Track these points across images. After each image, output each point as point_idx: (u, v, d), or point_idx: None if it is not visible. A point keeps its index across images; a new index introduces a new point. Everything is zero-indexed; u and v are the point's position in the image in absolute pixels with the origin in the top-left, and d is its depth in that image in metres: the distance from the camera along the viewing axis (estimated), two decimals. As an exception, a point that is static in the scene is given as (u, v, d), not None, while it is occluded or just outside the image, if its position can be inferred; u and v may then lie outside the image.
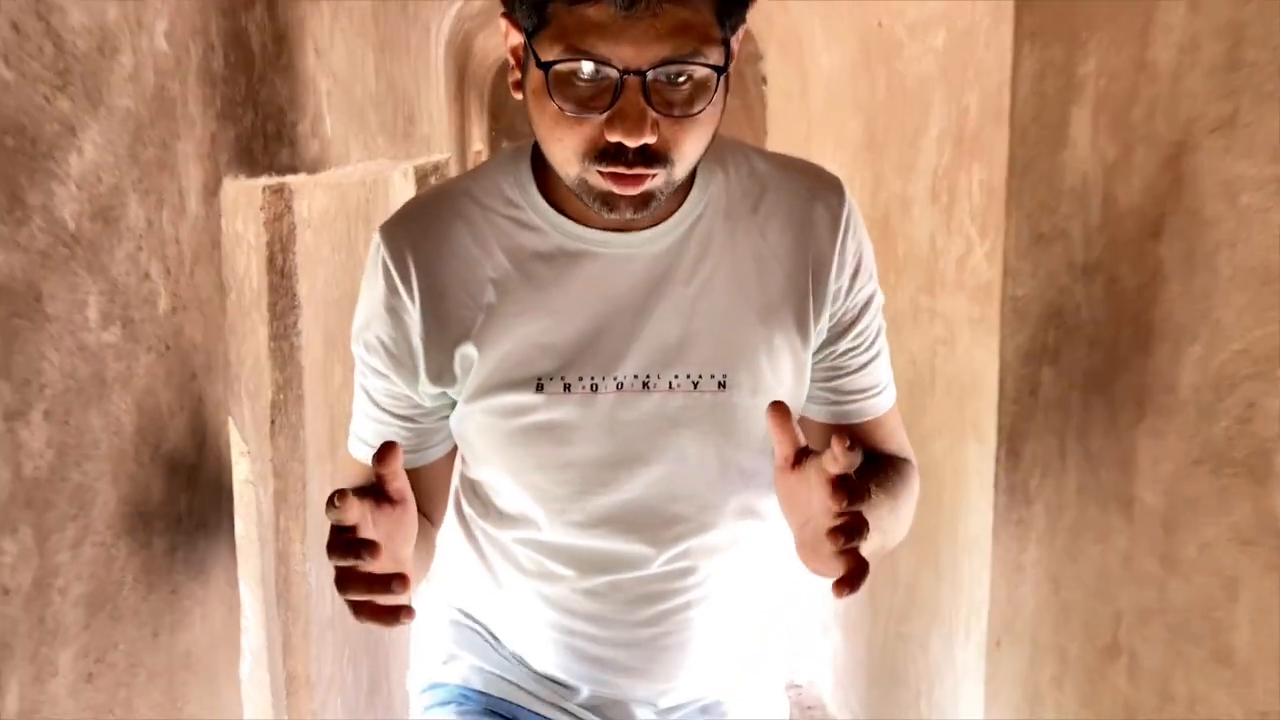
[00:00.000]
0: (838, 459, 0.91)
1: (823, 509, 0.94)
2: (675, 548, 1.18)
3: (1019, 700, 1.77)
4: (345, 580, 0.93)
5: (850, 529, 0.90)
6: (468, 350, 1.11)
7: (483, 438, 1.16)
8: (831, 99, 3.31)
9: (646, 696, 1.27)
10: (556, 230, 1.11)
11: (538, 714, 1.29)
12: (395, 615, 0.96)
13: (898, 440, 1.25)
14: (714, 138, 1.03)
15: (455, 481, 1.31)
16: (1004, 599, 1.84)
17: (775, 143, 4.23)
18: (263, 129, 1.32)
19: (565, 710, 1.28)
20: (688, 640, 1.23)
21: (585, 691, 1.27)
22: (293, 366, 1.83)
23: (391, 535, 1.00)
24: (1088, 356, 1.57)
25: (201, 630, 1.07)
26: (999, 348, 1.89)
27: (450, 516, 1.32)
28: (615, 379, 1.11)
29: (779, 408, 0.99)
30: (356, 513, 0.94)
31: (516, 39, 1.01)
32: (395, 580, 0.93)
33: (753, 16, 1.01)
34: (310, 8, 1.58)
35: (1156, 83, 1.37)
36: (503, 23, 1.02)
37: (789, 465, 0.99)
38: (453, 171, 3.85)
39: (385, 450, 0.97)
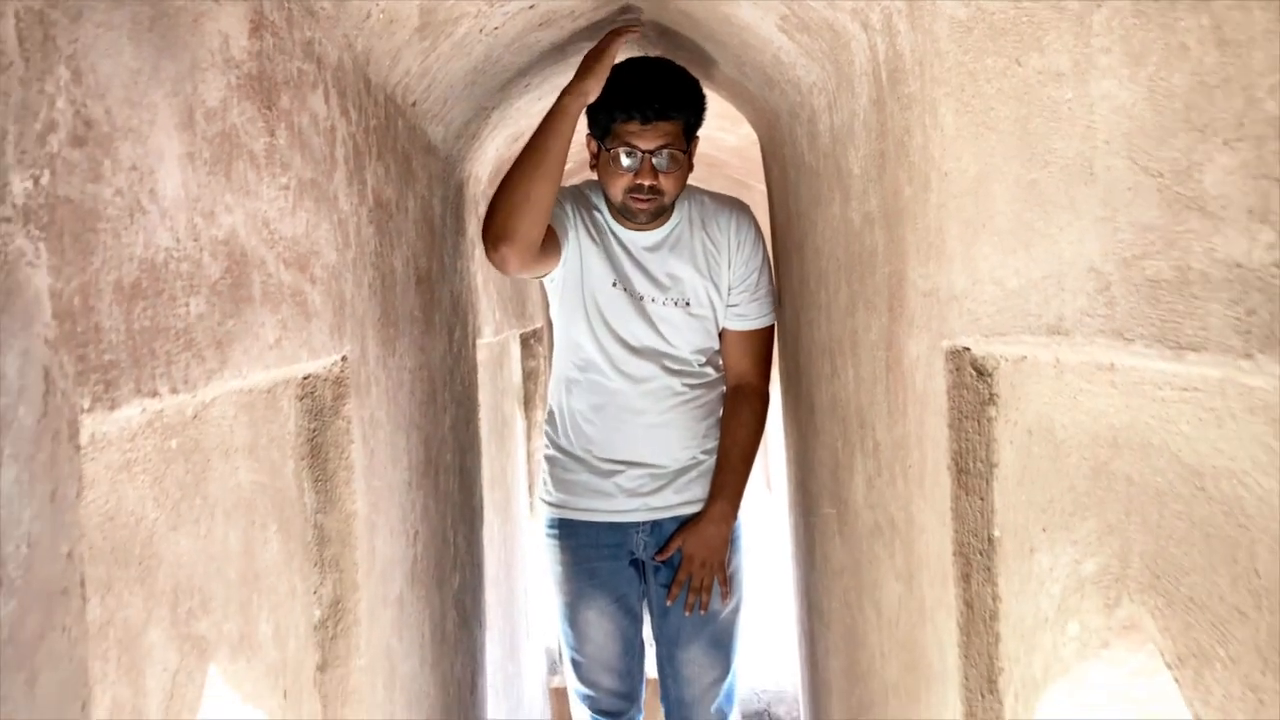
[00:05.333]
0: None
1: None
2: (665, 366, 2.31)
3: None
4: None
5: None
6: (578, 237, 2.26)
7: (591, 300, 2.26)
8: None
9: (652, 461, 2.32)
10: (614, 224, 2.28)
11: (599, 517, 2.35)
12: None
13: (755, 359, 2.37)
14: (684, 184, 2.24)
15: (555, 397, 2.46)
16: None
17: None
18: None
19: (615, 500, 2.32)
20: (665, 436, 2.33)
21: (624, 473, 2.30)
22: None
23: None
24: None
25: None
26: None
27: (552, 401, 2.45)
28: (639, 294, 2.28)
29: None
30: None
31: (594, 145, 2.22)
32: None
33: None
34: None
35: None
36: (588, 141, 2.23)
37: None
38: (545, 335, 5.06)
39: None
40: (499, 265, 2.07)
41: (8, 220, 0.57)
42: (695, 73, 2.65)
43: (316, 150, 1.20)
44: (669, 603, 2.34)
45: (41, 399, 0.60)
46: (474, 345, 2.62)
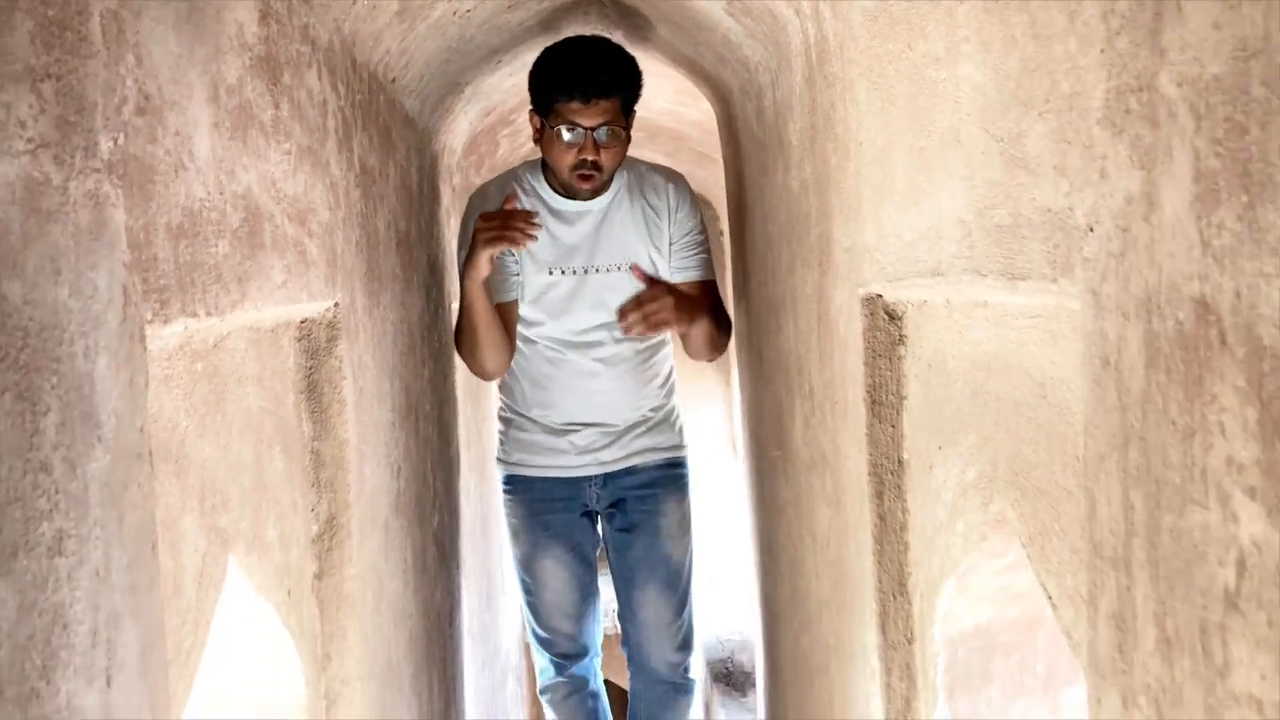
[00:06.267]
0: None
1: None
2: (613, 335, 2.42)
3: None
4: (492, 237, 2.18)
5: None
6: (520, 257, 2.36)
7: (531, 292, 2.37)
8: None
9: (603, 420, 2.45)
10: (554, 199, 2.37)
11: (552, 473, 2.47)
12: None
13: (710, 297, 2.45)
14: (624, 157, 2.33)
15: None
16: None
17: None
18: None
19: (568, 457, 2.43)
20: (616, 399, 2.47)
21: (578, 433, 2.40)
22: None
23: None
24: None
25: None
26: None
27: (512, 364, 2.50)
28: (583, 267, 2.38)
29: (636, 269, 2.38)
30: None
31: (537, 121, 2.29)
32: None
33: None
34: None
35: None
36: (531, 116, 2.30)
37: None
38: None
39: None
40: None
41: (98, 170, 0.75)
42: (656, 52, 2.82)
43: (312, 121, 1.38)
44: (622, 319, 2.36)
45: (121, 308, 0.78)
46: (450, 308, 2.80)
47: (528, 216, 2.22)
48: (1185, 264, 0.68)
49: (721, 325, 2.45)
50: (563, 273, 2.38)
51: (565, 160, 2.25)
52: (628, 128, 2.31)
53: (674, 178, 2.47)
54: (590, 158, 2.24)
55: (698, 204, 2.49)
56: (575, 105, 2.20)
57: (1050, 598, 1.10)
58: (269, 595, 1.32)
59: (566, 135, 2.22)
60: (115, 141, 0.78)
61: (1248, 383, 0.63)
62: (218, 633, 1.16)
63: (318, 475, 1.51)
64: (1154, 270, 0.73)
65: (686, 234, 2.42)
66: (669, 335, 2.55)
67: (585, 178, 2.27)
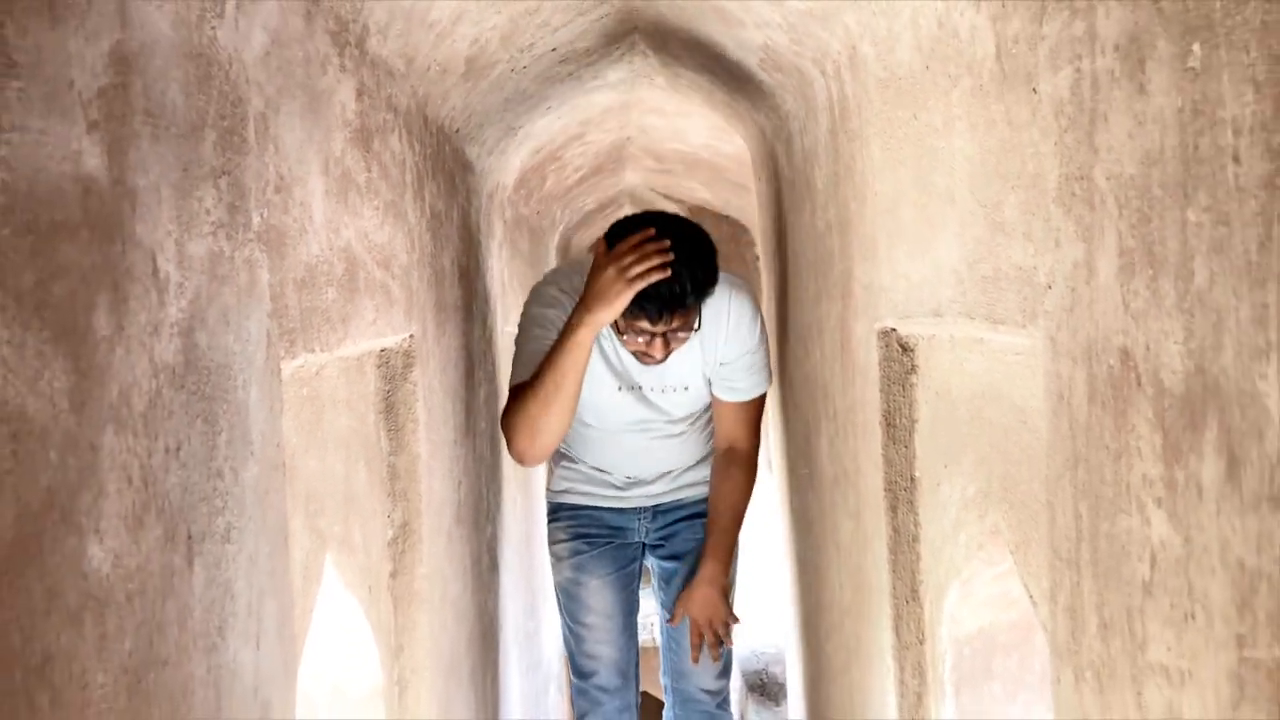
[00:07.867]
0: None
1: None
2: (663, 430, 2.43)
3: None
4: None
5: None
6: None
7: (589, 397, 2.25)
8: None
9: (643, 477, 2.51)
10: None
11: (600, 502, 2.53)
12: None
13: (746, 426, 2.40)
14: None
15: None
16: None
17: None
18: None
19: (617, 490, 2.52)
20: (667, 456, 2.48)
21: (622, 481, 2.51)
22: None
23: None
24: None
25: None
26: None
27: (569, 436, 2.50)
28: (643, 385, 2.32)
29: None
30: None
31: (602, 247, 2.06)
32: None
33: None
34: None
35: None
36: (599, 243, 2.11)
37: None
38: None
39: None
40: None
41: (251, 240, 0.95)
42: (694, 95, 3.01)
43: (394, 178, 1.58)
44: (694, 662, 2.41)
45: (265, 349, 0.98)
46: (501, 332, 3.00)
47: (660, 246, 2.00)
48: (1113, 320, 0.86)
49: (753, 459, 2.43)
50: (625, 389, 2.32)
51: (628, 345, 2.17)
52: (699, 319, 2.14)
53: (735, 288, 2.27)
54: (658, 355, 2.12)
55: (760, 315, 2.32)
56: (644, 323, 2.07)
57: (1032, 597, 1.26)
58: (354, 591, 1.51)
59: (636, 339, 2.11)
60: (262, 216, 0.98)
61: (1155, 416, 0.80)
62: (317, 621, 1.35)
63: (393, 486, 1.70)
64: (1093, 324, 0.90)
65: (742, 355, 2.29)
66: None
67: (649, 358, 2.16)
